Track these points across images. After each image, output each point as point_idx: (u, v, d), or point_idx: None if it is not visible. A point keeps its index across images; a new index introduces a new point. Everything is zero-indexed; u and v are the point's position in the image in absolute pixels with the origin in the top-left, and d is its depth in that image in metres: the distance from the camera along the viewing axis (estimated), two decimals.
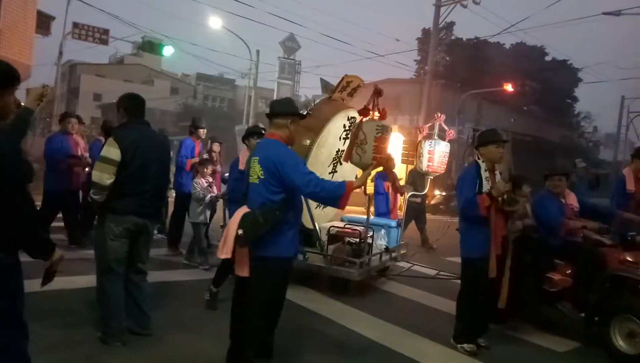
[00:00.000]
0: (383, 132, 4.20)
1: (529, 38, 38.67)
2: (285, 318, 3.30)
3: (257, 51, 24.71)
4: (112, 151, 3.38)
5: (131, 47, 22.75)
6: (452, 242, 5.00)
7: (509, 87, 22.39)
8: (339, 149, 5.60)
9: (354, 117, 5.40)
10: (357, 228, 5.52)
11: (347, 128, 5.55)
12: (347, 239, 5.52)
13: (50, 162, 6.44)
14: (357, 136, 4.24)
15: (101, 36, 18.36)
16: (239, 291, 3.28)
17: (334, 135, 5.49)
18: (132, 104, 3.66)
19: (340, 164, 5.63)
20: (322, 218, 5.91)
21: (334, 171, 5.76)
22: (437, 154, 6.10)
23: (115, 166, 3.37)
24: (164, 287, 5.08)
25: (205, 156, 6.84)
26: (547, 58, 35.18)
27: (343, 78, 5.62)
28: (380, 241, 5.96)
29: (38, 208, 4.55)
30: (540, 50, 34.84)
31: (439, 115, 6.36)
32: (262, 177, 3.02)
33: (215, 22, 23.01)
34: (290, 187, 2.98)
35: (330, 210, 6.00)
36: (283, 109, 3.20)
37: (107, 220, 3.48)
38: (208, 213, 6.27)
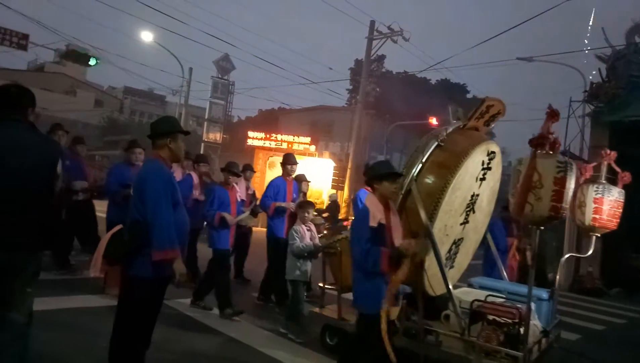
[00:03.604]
0: (566, 171, 3.23)
1: (453, 76, 41.28)
2: None
3: (190, 69, 24.25)
4: None
5: (53, 55, 21.47)
6: None
7: (433, 121, 23.61)
8: (474, 193, 4.38)
9: (494, 152, 4.38)
10: (500, 300, 4.17)
11: (485, 166, 4.37)
12: (492, 317, 3.92)
13: (108, 193, 6.11)
14: (531, 178, 3.23)
15: (19, 41, 17.10)
16: None
17: (471, 175, 4.22)
18: None
19: (474, 212, 4.51)
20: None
21: (465, 222, 4.45)
22: (606, 204, 4.58)
23: None
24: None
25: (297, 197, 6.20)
26: (469, 95, 37.60)
27: (483, 102, 4.41)
28: (534, 321, 4.33)
29: None
30: (463, 87, 37.20)
31: (608, 152, 4.85)
32: (132, 195, 3.05)
33: (146, 36, 22.38)
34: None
35: (455, 272, 4.77)
36: (160, 129, 3.16)
37: None
38: (309, 266, 5.12)
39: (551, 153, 3.40)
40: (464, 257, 4.94)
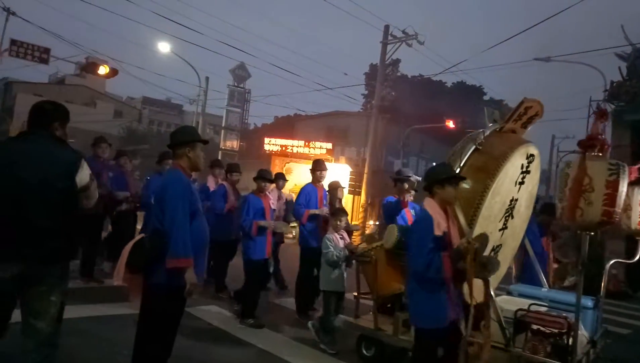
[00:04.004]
0: (619, 174, 3.12)
1: (469, 78, 40.93)
2: None
3: (207, 78, 24.53)
4: None
5: (74, 68, 21.94)
6: None
7: (450, 124, 23.44)
8: (513, 197, 4.22)
9: (533, 155, 4.26)
10: (544, 309, 3.99)
11: (524, 169, 4.22)
12: (537, 327, 3.77)
13: (144, 205, 6.34)
14: (581, 181, 3.14)
15: (41, 55, 17.52)
16: None
17: (510, 179, 4.06)
18: (29, 112, 2.90)
19: (512, 218, 4.35)
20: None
21: (504, 228, 4.30)
22: None
23: None
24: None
25: (326, 205, 6.05)
26: (485, 98, 37.25)
27: (522, 103, 4.25)
28: (581, 331, 4.09)
29: None
30: (479, 89, 36.86)
31: None
32: (154, 204, 3.11)
33: (164, 47, 22.75)
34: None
35: (493, 279, 4.52)
36: (179, 139, 3.23)
37: None
38: (344, 275, 5.02)
39: (600, 154, 3.26)
40: (502, 264, 4.71)
